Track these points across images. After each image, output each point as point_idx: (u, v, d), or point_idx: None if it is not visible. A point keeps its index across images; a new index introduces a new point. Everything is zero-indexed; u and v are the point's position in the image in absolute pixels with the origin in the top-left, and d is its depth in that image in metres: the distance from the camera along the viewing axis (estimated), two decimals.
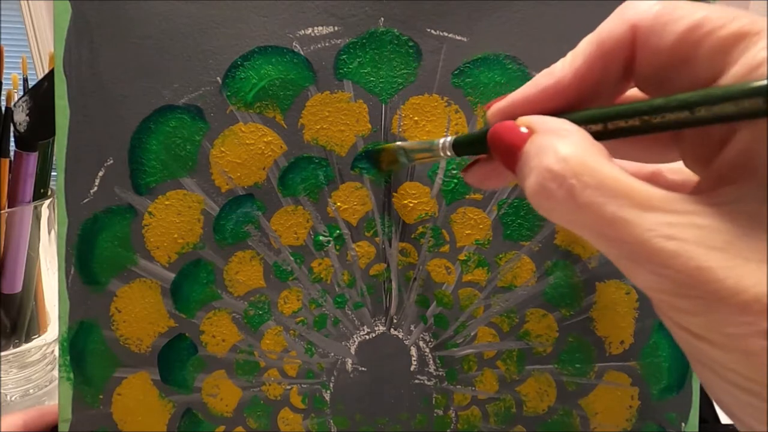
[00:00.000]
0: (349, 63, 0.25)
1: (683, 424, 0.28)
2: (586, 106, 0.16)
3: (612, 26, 0.16)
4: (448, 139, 0.20)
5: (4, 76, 0.39)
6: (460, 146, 0.20)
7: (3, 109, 0.38)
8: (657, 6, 0.14)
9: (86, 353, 0.26)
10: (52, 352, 0.44)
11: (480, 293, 0.27)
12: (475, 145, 0.19)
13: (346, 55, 0.25)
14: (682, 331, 0.13)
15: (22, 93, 0.37)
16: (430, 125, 0.26)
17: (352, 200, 0.26)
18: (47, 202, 0.40)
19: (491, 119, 0.18)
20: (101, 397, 0.26)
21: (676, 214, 0.12)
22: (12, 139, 0.38)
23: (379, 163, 0.25)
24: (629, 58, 0.15)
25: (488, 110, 0.18)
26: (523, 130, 0.15)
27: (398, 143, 0.24)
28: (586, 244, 0.26)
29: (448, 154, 0.20)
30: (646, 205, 0.12)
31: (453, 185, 0.26)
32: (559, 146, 0.13)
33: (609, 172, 0.13)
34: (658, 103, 0.13)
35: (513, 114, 0.16)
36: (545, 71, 0.16)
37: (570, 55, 0.16)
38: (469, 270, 0.27)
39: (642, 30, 0.15)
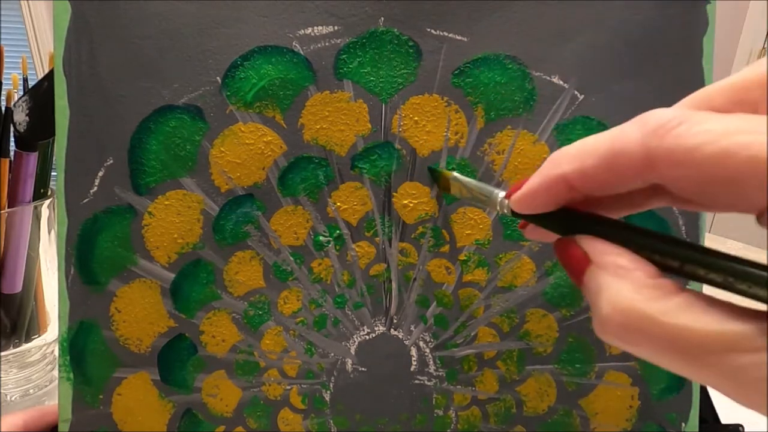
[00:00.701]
0: (349, 63, 0.25)
1: (683, 424, 0.28)
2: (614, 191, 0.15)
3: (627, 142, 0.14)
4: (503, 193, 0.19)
5: (4, 76, 0.39)
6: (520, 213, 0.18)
7: (3, 109, 0.38)
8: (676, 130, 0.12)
9: (86, 353, 0.26)
10: (52, 352, 0.44)
11: (480, 293, 0.27)
12: (535, 219, 0.18)
13: (346, 55, 0.25)
14: None
15: (22, 93, 0.37)
16: (430, 125, 0.26)
17: (352, 200, 0.26)
18: (47, 202, 0.40)
19: (516, 207, 0.17)
20: (101, 397, 0.26)
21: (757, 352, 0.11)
22: (12, 139, 0.38)
23: (438, 183, 0.25)
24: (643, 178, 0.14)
25: (511, 199, 0.17)
26: (583, 252, 0.15)
27: (456, 175, 0.24)
28: None
29: (505, 212, 0.19)
30: (724, 348, 0.12)
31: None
32: (612, 291, 0.14)
33: (656, 313, 0.13)
34: (755, 275, 0.12)
35: (539, 203, 0.16)
36: (570, 151, 0.15)
37: (577, 151, 0.15)
38: (469, 270, 0.27)
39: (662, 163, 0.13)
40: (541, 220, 0.18)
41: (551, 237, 0.19)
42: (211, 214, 0.26)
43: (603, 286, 0.14)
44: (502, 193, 0.20)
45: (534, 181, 0.16)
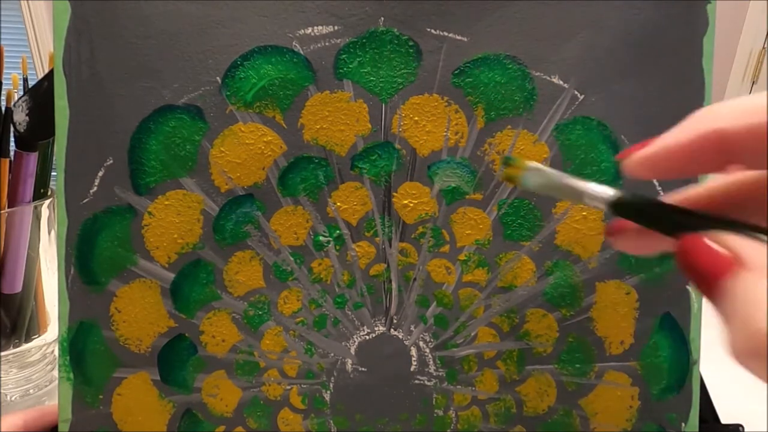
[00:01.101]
0: (349, 63, 0.25)
1: (683, 424, 0.28)
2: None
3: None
4: (609, 192, 0.17)
5: (4, 76, 0.39)
6: (623, 209, 0.16)
7: (3, 109, 0.38)
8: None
9: (86, 353, 0.26)
10: (52, 352, 0.44)
11: (480, 293, 0.27)
12: (644, 217, 0.16)
13: (346, 55, 0.25)
14: None
15: (22, 93, 0.37)
16: (430, 125, 0.26)
17: (352, 200, 0.26)
18: (47, 202, 0.40)
19: (634, 170, 0.15)
20: (101, 397, 0.26)
21: None
22: (12, 139, 0.38)
23: (505, 171, 0.23)
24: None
25: (626, 156, 0.15)
26: (724, 252, 0.12)
27: (536, 164, 0.20)
28: (586, 244, 0.26)
29: (598, 205, 0.17)
30: None
31: (453, 185, 0.26)
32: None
33: None
34: None
35: (667, 165, 0.14)
36: (695, 116, 0.14)
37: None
38: (469, 270, 0.27)
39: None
40: (648, 217, 0.15)
41: (652, 246, 0.16)
42: (211, 214, 0.26)
43: (762, 295, 0.11)
44: (598, 188, 0.17)
45: (677, 136, 0.14)
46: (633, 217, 0.16)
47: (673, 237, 0.14)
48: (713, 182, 0.15)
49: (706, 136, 0.13)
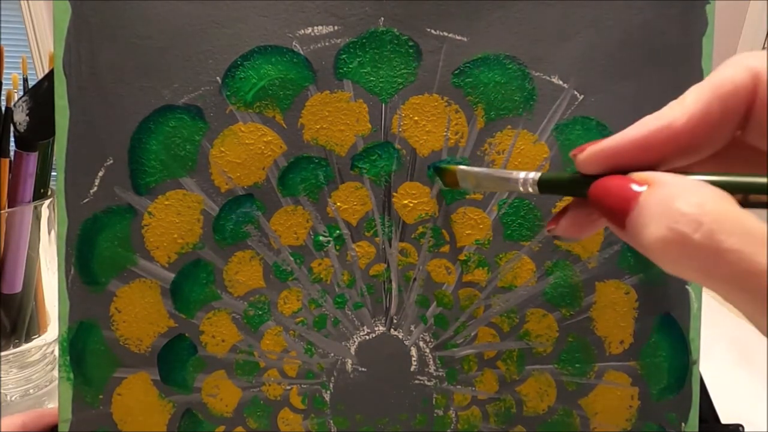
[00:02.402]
0: (349, 63, 0.25)
1: (683, 424, 0.28)
2: (695, 156, 0.15)
3: (731, 72, 0.15)
4: (531, 174, 0.19)
5: (4, 76, 0.39)
6: (546, 185, 0.19)
7: (3, 109, 0.38)
8: None
9: (86, 353, 0.26)
10: (52, 352, 0.44)
11: (480, 293, 0.27)
12: (565, 188, 0.18)
13: (345, 55, 0.25)
14: None
15: (22, 93, 0.37)
16: (430, 125, 0.26)
17: (352, 200, 0.26)
18: (47, 202, 0.40)
19: (586, 163, 0.16)
20: (101, 397, 0.26)
21: None
22: (12, 139, 0.38)
23: (444, 180, 0.25)
24: (747, 107, 0.15)
25: (582, 152, 0.17)
26: (635, 188, 0.14)
27: (463, 167, 0.23)
28: (586, 244, 0.26)
29: (530, 190, 0.19)
30: None
31: None
32: (690, 193, 0.12)
33: (754, 221, 0.12)
34: None
35: (614, 159, 0.16)
36: (652, 115, 0.16)
37: (679, 99, 0.16)
38: (469, 270, 0.27)
39: (765, 80, 0.14)
40: (567, 185, 0.17)
41: (584, 229, 0.18)
42: (211, 214, 0.26)
43: (677, 192, 0.13)
44: (523, 173, 0.19)
45: (632, 132, 0.15)
46: (558, 190, 0.18)
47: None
48: (624, 133, 0.16)
49: (660, 130, 0.15)
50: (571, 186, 0.17)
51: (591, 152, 0.16)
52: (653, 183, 0.14)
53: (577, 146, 0.17)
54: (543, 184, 0.19)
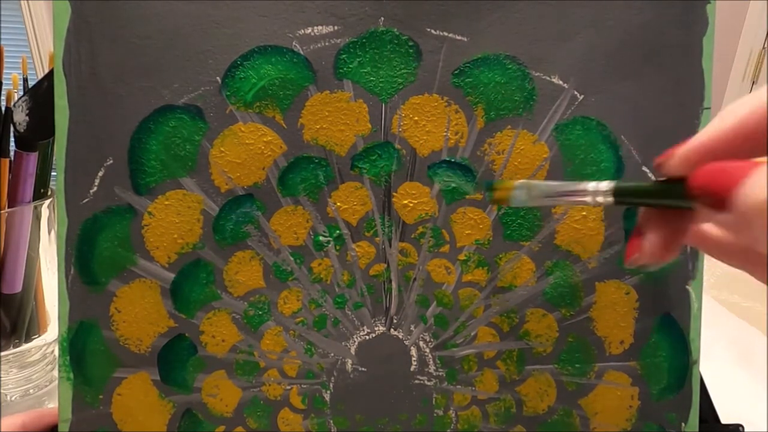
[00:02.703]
0: (349, 63, 0.25)
1: (683, 424, 0.28)
2: None
3: None
4: (602, 184, 0.18)
5: (4, 76, 0.39)
6: (625, 193, 0.18)
7: (3, 109, 0.38)
8: None
9: (86, 353, 0.26)
10: (52, 352, 0.44)
11: (480, 293, 0.27)
12: (652, 195, 0.17)
13: (345, 55, 0.25)
14: None
15: (22, 93, 0.37)
16: (430, 125, 0.26)
17: (352, 200, 0.26)
18: (47, 202, 0.40)
19: (682, 164, 0.16)
20: (101, 397, 0.26)
21: None
22: (12, 139, 0.38)
23: (492, 196, 0.24)
24: None
25: (673, 157, 0.16)
26: (740, 163, 0.14)
27: (524, 181, 0.21)
28: (586, 243, 0.26)
29: (599, 200, 0.18)
30: None
31: (453, 185, 0.26)
32: None
33: None
34: None
35: (712, 155, 0.15)
36: (727, 109, 0.15)
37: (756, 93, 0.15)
38: (469, 270, 0.27)
39: None
40: (649, 193, 0.17)
41: (661, 254, 0.18)
42: (211, 214, 0.26)
43: None
44: (594, 183, 0.18)
45: (723, 125, 0.15)
46: (636, 197, 0.17)
47: (678, 200, 0.16)
48: (709, 129, 0.16)
49: (748, 117, 0.15)
50: (660, 192, 0.17)
51: (685, 151, 0.16)
52: (756, 164, 0.13)
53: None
54: (620, 193, 0.18)
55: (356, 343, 0.27)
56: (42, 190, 0.40)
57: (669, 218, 0.18)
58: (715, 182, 0.14)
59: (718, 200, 0.14)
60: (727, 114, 0.15)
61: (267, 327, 0.26)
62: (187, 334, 0.26)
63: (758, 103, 0.15)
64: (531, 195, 0.21)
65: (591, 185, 0.18)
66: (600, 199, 0.18)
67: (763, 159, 0.14)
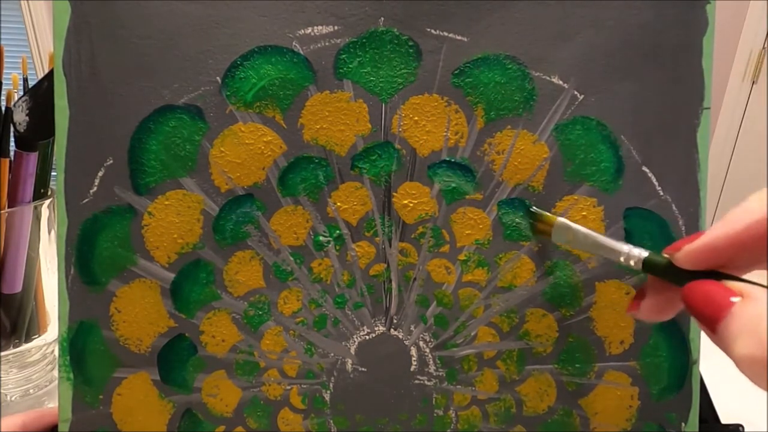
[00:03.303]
0: (349, 62, 0.25)
1: (683, 424, 0.28)
2: None
3: None
4: (636, 250, 0.21)
5: (4, 76, 0.39)
6: (651, 266, 0.20)
7: (3, 109, 0.38)
8: None
9: (86, 353, 0.26)
10: (52, 352, 0.44)
11: (480, 293, 0.27)
12: (667, 274, 0.20)
13: (345, 55, 0.25)
14: None
15: (22, 93, 0.37)
16: (430, 125, 0.26)
17: (352, 200, 0.26)
18: (47, 202, 0.40)
19: (684, 261, 0.18)
20: (101, 397, 0.26)
21: None
22: (12, 139, 0.38)
23: (535, 226, 0.26)
24: None
25: (679, 251, 0.18)
26: (729, 298, 0.15)
27: (564, 220, 0.24)
28: None
29: (631, 264, 0.21)
30: None
31: (453, 185, 0.26)
32: None
33: None
34: None
35: (712, 258, 0.17)
36: (740, 208, 0.17)
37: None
38: (469, 270, 0.27)
39: None
40: (670, 272, 0.19)
41: (663, 312, 0.20)
42: (211, 214, 0.26)
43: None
44: (628, 247, 0.21)
45: (726, 229, 0.17)
46: (661, 273, 0.20)
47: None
48: (716, 231, 0.17)
49: (753, 226, 0.16)
50: (671, 274, 0.19)
51: (687, 252, 0.18)
52: (747, 296, 0.15)
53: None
54: (647, 265, 0.20)
55: (356, 343, 0.27)
56: (42, 190, 0.40)
57: (671, 288, 0.20)
58: (703, 309, 0.16)
59: (708, 316, 0.16)
60: (732, 219, 0.16)
61: (267, 327, 0.26)
62: (187, 334, 0.26)
63: (757, 218, 0.16)
64: (571, 238, 0.24)
65: (626, 248, 0.21)
66: (631, 262, 0.21)
67: (749, 289, 0.15)
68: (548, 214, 0.25)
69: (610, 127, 0.26)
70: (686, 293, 0.17)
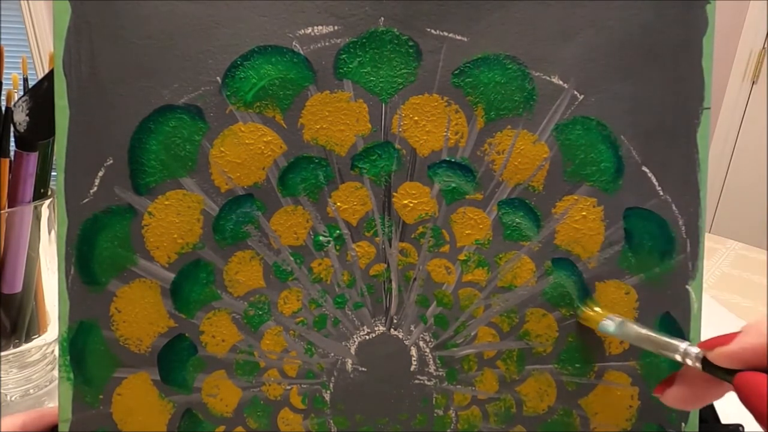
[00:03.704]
0: (349, 62, 0.25)
1: (683, 424, 0.28)
2: None
3: None
4: (693, 349, 0.21)
5: (4, 76, 0.39)
6: (711, 366, 0.20)
7: (3, 109, 0.38)
8: None
9: (86, 353, 0.26)
10: (52, 352, 0.44)
11: (480, 293, 0.27)
12: (719, 371, 0.20)
13: (345, 55, 0.25)
14: None
15: (22, 93, 0.37)
16: (430, 125, 0.26)
17: (352, 200, 0.26)
18: (47, 202, 0.40)
19: (717, 361, 0.19)
20: (101, 397, 0.26)
21: None
22: (12, 139, 0.38)
23: (580, 313, 0.26)
24: None
25: (711, 351, 0.19)
26: None
27: (617, 316, 0.25)
28: (586, 243, 0.26)
29: (688, 362, 0.21)
30: None
31: (453, 185, 0.26)
32: None
33: None
34: None
35: (741, 361, 0.18)
36: (753, 326, 0.18)
37: None
38: (469, 270, 0.27)
39: None
40: (720, 368, 0.20)
41: (694, 401, 0.21)
42: (211, 214, 0.26)
43: None
44: (685, 345, 0.21)
45: (751, 340, 0.18)
46: (720, 373, 0.20)
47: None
48: (746, 340, 0.18)
49: None
50: (723, 371, 0.19)
51: (718, 354, 0.19)
52: None
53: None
54: (710, 365, 0.20)
55: (356, 343, 0.27)
56: (42, 190, 0.40)
57: (705, 383, 0.21)
58: (751, 399, 0.17)
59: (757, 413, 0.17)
60: (754, 332, 0.18)
61: (267, 327, 0.26)
62: (187, 334, 0.26)
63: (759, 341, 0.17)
64: (621, 331, 0.24)
65: (684, 345, 0.21)
66: (688, 360, 0.21)
67: None
68: (598, 311, 0.26)
69: (610, 127, 0.26)
70: (737, 382, 0.18)
